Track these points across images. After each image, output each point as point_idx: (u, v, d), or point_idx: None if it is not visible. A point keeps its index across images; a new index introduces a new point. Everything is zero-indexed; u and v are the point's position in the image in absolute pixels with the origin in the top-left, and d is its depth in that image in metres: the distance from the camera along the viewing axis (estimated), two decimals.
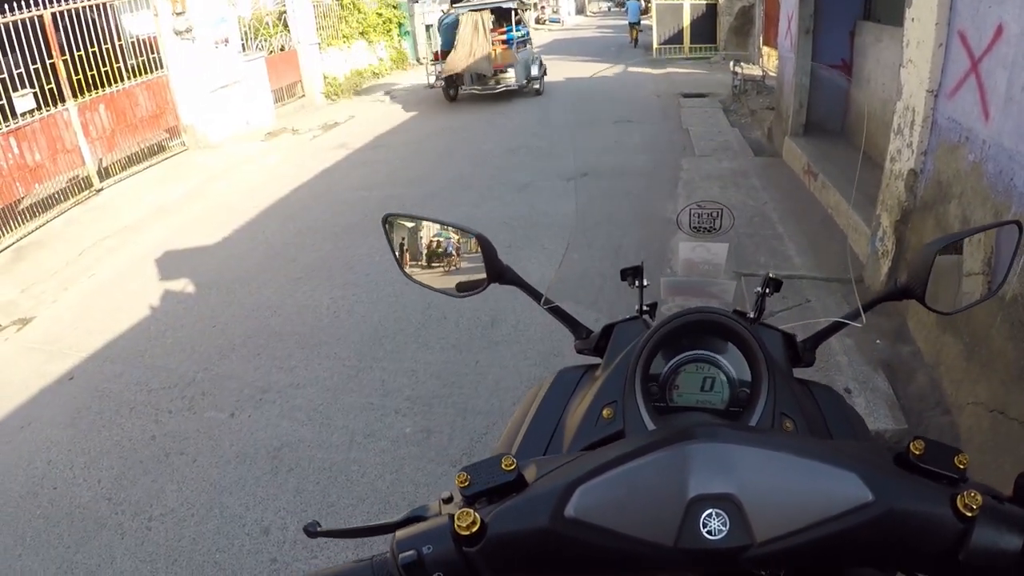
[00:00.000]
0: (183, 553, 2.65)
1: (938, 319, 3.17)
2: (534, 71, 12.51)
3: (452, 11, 12.79)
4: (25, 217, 6.88)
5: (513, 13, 12.77)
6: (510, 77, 12.22)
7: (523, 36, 13.20)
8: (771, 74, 11.08)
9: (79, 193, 7.65)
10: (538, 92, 12.67)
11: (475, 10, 12.07)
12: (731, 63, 11.91)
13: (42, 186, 7.18)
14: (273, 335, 4.24)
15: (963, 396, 2.90)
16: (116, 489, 3.05)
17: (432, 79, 12.84)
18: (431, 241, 1.21)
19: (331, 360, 3.89)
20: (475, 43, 11.76)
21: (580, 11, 48.81)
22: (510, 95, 12.36)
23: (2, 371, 4.28)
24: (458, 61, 11.82)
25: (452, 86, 12.34)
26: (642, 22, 22.54)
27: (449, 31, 12.32)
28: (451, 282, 1.19)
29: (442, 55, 12.30)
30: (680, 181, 6.50)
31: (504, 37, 12.67)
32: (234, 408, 3.54)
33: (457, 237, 1.18)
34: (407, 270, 1.21)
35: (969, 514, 0.58)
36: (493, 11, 12.38)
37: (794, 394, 0.96)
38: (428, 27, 19.19)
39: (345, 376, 3.72)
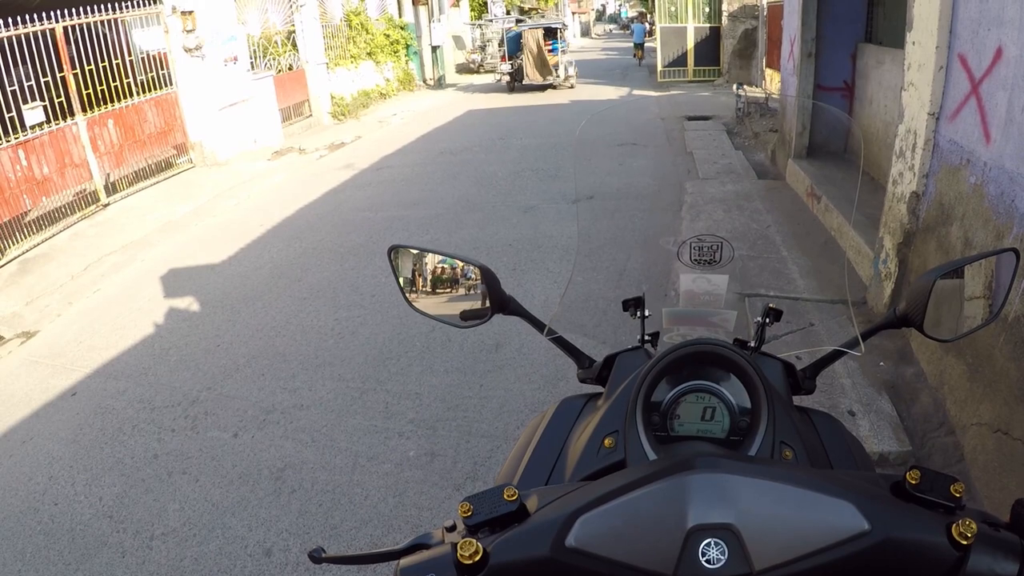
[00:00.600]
0: (185, 574, 2.64)
1: None
2: (570, 71, 17.22)
3: (515, 28, 19.05)
4: (31, 230, 6.90)
5: (558, 31, 18.15)
6: (553, 74, 17.02)
7: (563, 47, 18.31)
8: (774, 96, 11.15)
9: (86, 207, 7.69)
10: (571, 87, 17.02)
11: (533, 28, 17.80)
12: (735, 86, 11.99)
13: (49, 199, 7.22)
14: (277, 355, 4.24)
15: (967, 417, 2.90)
16: (118, 507, 3.04)
17: (498, 76, 18.21)
18: (435, 272, 1.23)
19: (335, 382, 3.89)
20: (538, 55, 16.88)
21: (585, 33, 49.47)
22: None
23: (5, 384, 4.29)
24: (535, 74, 16.98)
25: (513, 80, 17.32)
26: (646, 44, 24.07)
27: (512, 42, 17.75)
28: (455, 312, 1.21)
29: (508, 58, 17.66)
30: (684, 204, 6.53)
31: (551, 48, 17.57)
32: (237, 428, 3.54)
33: (461, 268, 1.20)
34: (411, 300, 1.23)
35: (964, 542, 0.60)
36: (544, 29, 17.79)
37: (794, 423, 0.98)
38: (435, 48, 19.37)
39: (349, 398, 3.72)
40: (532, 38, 16.79)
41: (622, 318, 1.26)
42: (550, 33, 17.76)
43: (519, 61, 17.16)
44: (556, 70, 16.98)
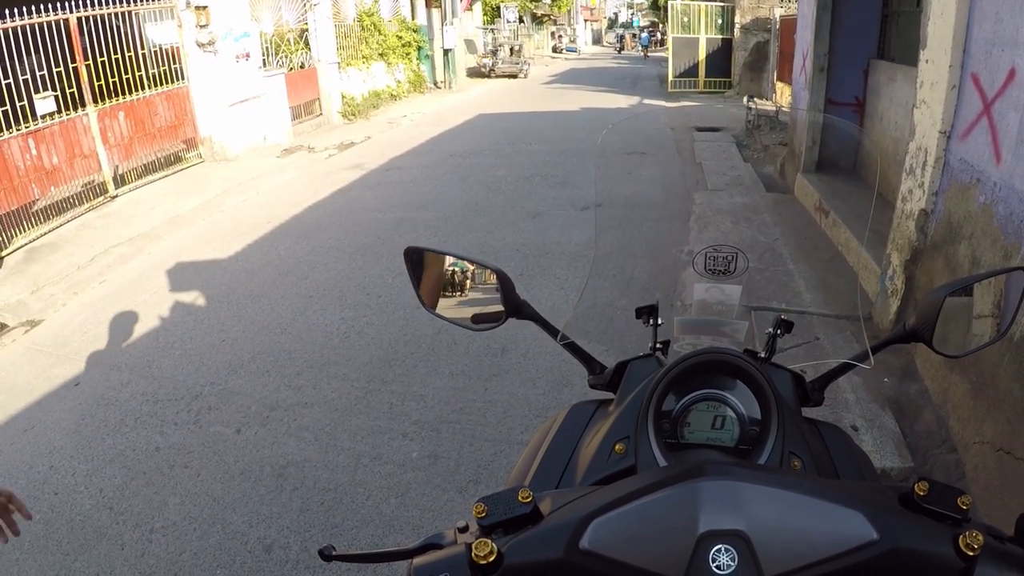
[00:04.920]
0: (183, 568, 2.63)
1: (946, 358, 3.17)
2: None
3: (622, 32, 54.52)
4: (39, 219, 6.92)
5: (636, 35, 42.37)
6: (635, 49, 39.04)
7: (642, 40, 38.53)
8: (785, 110, 11.17)
9: (94, 199, 7.72)
10: (646, 56, 34.25)
11: (628, 31, 50.73)
12: (745, 98, 12.00)
13: (58, 189, 7.24)
14: (282, 353, 4.24)
15: (969, 435, 2.89)
16: (118, 499, 3.03)
17: (614, 48, 47.36)
18: (451, 274, 1.23)
19: (340, 381, 3.88)
20: (631, 42, 45.18)
21: (596, 41, 51.38)
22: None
23: (8, 372, 4.29)
24: (627, 49, 42.54)
25: (619, 50, 43.95)
26: (650, 54, 34.58)
27: (619, 37, 49.52)
28: (468, 315, 1.20)
29: (618, 41, 48.85)
30: (693, 215, 6.52)
31: (633, 39, 40.37)
32: (240, 424, 3.53)
33: (476, 271, 1.20)
34: (426, 302, 1.22)
35: (971, 553, 0.61)
36: (632, 33, 45.45)
37: (802, 433, 0.99)
38: (447, 51, 19.43)
39: (353, 398, 3.71)
40: (628, 34, 45.19)
41: (628, 326, 1.26)
42: (634, 36, 36.57)
43: (622, 43, 43.43)
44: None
